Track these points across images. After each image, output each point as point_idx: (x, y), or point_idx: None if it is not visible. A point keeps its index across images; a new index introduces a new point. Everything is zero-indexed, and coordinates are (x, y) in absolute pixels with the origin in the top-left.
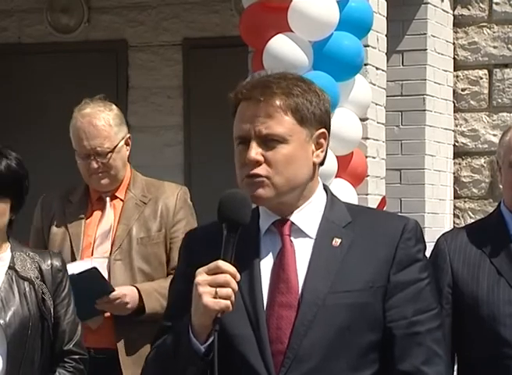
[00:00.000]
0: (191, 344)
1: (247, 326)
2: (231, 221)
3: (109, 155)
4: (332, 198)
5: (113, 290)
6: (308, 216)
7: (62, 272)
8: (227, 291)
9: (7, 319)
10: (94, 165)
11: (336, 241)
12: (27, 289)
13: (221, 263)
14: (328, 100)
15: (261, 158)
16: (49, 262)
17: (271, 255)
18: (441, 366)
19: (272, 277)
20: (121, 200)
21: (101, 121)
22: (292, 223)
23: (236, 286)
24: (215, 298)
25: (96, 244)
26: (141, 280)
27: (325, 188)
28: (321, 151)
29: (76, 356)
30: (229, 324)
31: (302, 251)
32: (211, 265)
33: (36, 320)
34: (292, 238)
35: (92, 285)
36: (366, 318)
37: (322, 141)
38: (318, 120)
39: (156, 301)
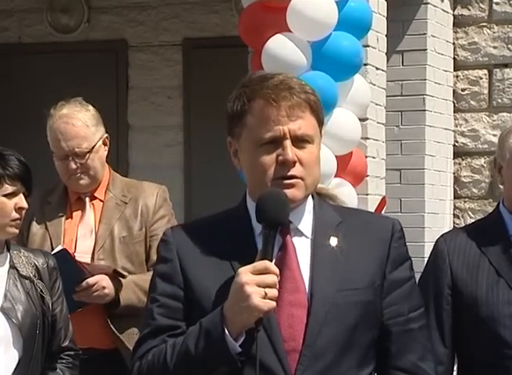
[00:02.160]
0: (227, 343)
1: None
2: (273, 220)
3: (87, 155)
4: (318, 199)
5: (89, 275)
6: (302, 215)
7: (56, 270)
8: (275, 292)
9: (20, 317)
10: (73, 165)
11: (334, 240)
12: (29, 287)
13: (269, 264)
14: None
15: (296, 159)
16: (44, 260)
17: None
18: (432, 361)
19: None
20: (100, 200)
21: (79, 122)
22: (290, 222)
23: (278, 287)
24: (263, 298)
25: (79, 242)
26: None
27: None
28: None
29: (72, 352)
30: None
31: (301, 250)
32: (259, 265)
33: (41, 318)
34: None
35: (67, 270)
36: (370, 316)
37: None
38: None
39: (132, 293)
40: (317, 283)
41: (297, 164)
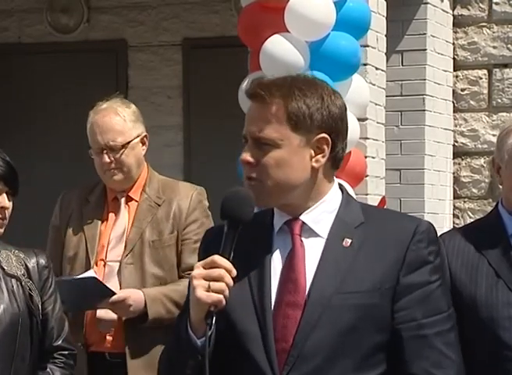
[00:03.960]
0: (189, 338)
1: (254, 324)
2: (232, 218)
3: (122, 150)
4: (347, 198)
5: (114, 293)
6: (320, 215)
7: (48, 269)
8: (220, 285)
9: None
10: (107, 159)
11: (347, 242)
12: (15, 286)
13: (216, 258)
14: (337, 103)
15: (252, 160)
16: (34, 259)
17: (282, 254)
18: (452, 369)
19: (281, 276)
20: (136, 201)
21: (117, 116)
22: (303, 222)
23: (230, 281)
24: (207, 291)
25: (110, 248)
26: (153, 284)
27: (341, 188)
28: (322, 156)
29: (66, 352)
30: (237, 321)
31: (312, 251)
32: (208, 259)
33: (25, 317)
34: (303, 238)
35: (91, 290)
36: (373, 319)
37: (324, 146)
38: (317, 125)
39: (161, 306)
40: (317, 284)
41: (256, 166)
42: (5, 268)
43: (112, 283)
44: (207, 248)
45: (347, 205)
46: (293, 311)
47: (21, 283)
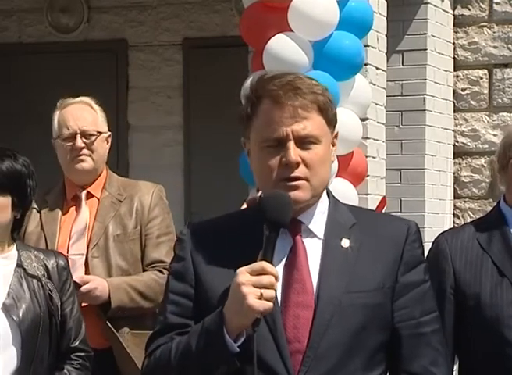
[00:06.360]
0: (226, 343)
1: (263, 326)
2: (276, 222)
3: (95, 137)
4: (334, 199)
5: (79, 284)
6: (315, 216)
7: (67, 270)
8: (271, 292)
9: (20, 315)
10: (80, 143)
11: (345, 242)
12: (36, 286)
13: (265, 265)
14: None
15: (300, 160)
16: (54, 260)
17: (281, 254)
18: (445, 366)
19: (285, 276)
20: (97, 198)
21: (89, 108)
22: (301, 222)
23: (277, 288)
24: (259, 299)
25: (71, 242)
26: (119, 276)
27: (327, 190)
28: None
29: (82, 353)
30: None
31: (312, 251)
32: (255, 265)
33: (45, 317)
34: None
35: None
36: (379, 318)
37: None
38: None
39: (124, 294)
40: (324, 284)
41: (301, 165)
42: (27, 268)
43: (77, 275)
44: (191, 246)
45: (336, 206)
46: (303, 311)
47: (42, 284)
